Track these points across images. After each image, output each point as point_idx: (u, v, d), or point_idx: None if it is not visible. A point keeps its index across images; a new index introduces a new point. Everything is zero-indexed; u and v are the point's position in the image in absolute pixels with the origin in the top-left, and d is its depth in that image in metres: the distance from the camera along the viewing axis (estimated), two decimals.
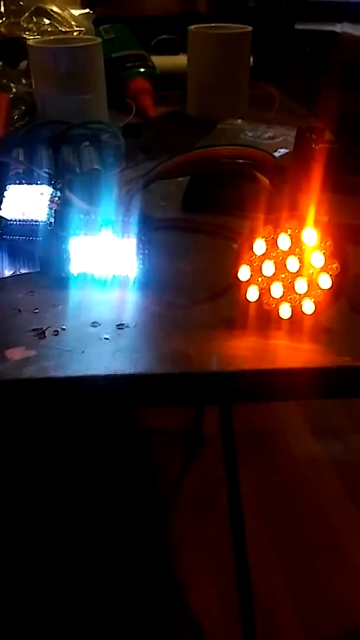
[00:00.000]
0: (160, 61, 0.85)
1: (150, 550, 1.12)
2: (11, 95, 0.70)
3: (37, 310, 0.39)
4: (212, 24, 0.75)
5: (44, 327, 0.37)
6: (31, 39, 0.70)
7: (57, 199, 0.43)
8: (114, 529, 1.14)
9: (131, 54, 0.80)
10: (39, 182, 0.44)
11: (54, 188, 0.43)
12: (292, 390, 0.36)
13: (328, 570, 1.11)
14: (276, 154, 0.59)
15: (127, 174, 0.56)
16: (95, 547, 1.11)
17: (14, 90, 0.72)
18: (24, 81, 0.72)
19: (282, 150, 0.60)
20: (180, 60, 0.87)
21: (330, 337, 0.37)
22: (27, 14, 0.75)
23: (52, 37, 0.65)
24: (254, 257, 0.37)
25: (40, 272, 0.42)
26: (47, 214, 0.42)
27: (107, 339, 0.37)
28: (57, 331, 0.37)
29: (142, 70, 0.80)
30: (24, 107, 0.71)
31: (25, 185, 0.44)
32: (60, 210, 0.43)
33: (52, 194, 0.43)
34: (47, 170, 0.52)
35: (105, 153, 0.58)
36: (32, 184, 0.44)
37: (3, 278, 0.42)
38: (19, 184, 0.44)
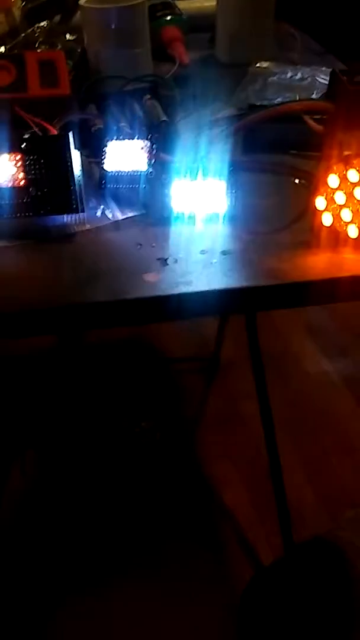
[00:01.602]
0: (183, 5, 0.89)
1: (184, 459, 1.27)
2: None
3: (154, 245, 0.49)
4: None
5: (165, 257, 0.47)
6: None
7: (154, 150, 0.51)
8: (147, 441, 1.29)
9: (159, 2, 0.85)
10: (136, 137, 0.52)
11: (150, 142, 0.52)
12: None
13: (343, 467, 1.28)
14: (314, 97, 0.67)
15: (186, 123, 0.64)
16: (132, 457, 1.25)
17: (59, 46, 0.77)
18: (68, 37, 0.78)
19: (317, 94, 0.68)
20: (202, 2, 0.92)
21: None
22: None
23: None
24: (328, 189, 0.46)
25: (145, 214, 0.52)
26: (147, 164, 0.51)
27: (216, 262, 0.47)
28: (176, 259, 0.47)
29: (170, 18, 0.85)
30: (71, 62, 0.77)
31: (124, 141, 0.52)
32: (157, 160, 0.51)
33: (149, 146, 0.51)
34: (124, 124, 0.60)
35: (164, 104, 0.65)
36: (130, 139, 0.52)
37: (118, 220, 0.51)
38: (117, 140, 0.53)
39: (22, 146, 0.48)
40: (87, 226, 0.51)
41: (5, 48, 0.72)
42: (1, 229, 0.50)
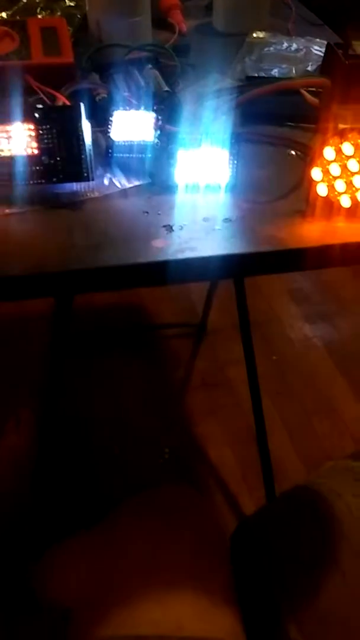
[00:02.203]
0: None
1: (168, 419, 1.32)
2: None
3: (159, 212, 0.52)
4: None
5: (171, 224, 0.51)
6: None
7: (160, 121, 0.54)
8: (134, 401, 1.34)
9: None
10: (142, 108, 0.55)
11: (156, 113, 0.54)
12: (351, 258, 0.52)
13: (323, 427, 1.35)
14: (309, 69, 0.69)
15: (187, 94, 0.66)
16: (120, 414, 1.30)
17: (58, 13, 0.78)
18: (68, 2, 0.78)
19: (312, 66, 0.71)
20: None
21: None
22: None
23: None
24: (324, 161, 0.50)
25: (151, 182, 0.55)
26: (154, 135, 0.54)
27: (218, 229, 0.51)
28: (181, 226, 0.51)
29: None
30: (71, 29, 0.77)
31: (130, 111, 0.55)
32: (163, 131, 0.54)
33: (155, 117, 0.54)
34: (127, 93, 0.62)
35: (165, 74, 0.67)
36: (135, 109, 0.55)
37: (125, 189, 0.54)
38: (123, 110, 0.55)
39: (35, 115, 0.50)
40: (96, 194, 0.54)
41: (6, 14, 0.72)
42: (13, 195, 0.52)
